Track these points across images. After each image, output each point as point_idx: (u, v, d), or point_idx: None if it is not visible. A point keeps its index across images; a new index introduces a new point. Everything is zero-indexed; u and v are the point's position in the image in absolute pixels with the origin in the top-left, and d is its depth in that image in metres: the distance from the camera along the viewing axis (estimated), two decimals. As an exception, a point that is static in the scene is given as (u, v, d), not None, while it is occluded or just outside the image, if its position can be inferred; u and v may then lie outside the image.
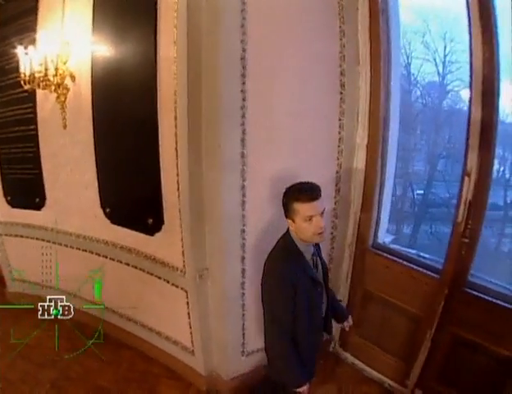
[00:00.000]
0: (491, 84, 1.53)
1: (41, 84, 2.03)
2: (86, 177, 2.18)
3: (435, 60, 4.05)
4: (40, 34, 2.02)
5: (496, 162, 3.79)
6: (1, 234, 2.70)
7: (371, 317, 2.08)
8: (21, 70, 1.99)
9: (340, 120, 1.88)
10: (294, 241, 1.32)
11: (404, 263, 1.91)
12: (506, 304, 1.56)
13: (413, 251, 2.03)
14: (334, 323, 1.61)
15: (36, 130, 2.34)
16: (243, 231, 1.76)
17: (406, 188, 4.40)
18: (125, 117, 1.97)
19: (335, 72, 1.84)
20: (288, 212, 1.29)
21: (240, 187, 1.70)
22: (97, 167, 2.13)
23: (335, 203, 1.96)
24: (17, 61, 1.99)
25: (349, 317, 1.65)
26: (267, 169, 1.74)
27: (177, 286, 1.96)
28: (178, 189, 1.76)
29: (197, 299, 1.88)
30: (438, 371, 1.82)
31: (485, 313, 1.61)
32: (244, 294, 1.85)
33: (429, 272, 1.81)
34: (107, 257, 2.25)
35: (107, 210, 2.17)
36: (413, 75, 4.21)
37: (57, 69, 2.04)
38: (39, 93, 2.20)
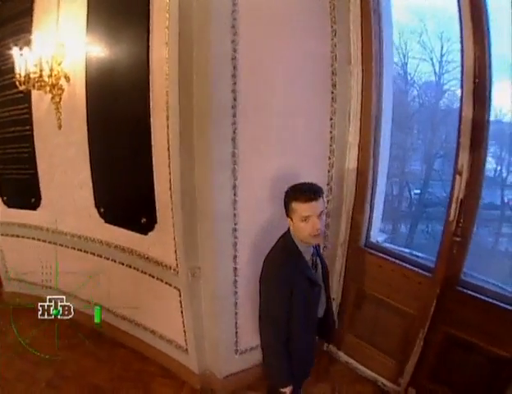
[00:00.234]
0: (482, 83, 1.53)
1: (36, 84, 2.05)
2: (81, 177, 2.19)
3: (431, 59, 4.06)
4: (35, 36, 2.04)
5: (493, 161, 3.82)
6: (-3, 234, 2.72)
7: (364, 316, 2.09)
8: (17, 71, 2.01)
9: (331, 119, 1.89)
10: (293, 241, 1.32)
11: (397, 261, 1.91)
12: (500, 304, 1.56)
13: (407, 250, 2.04)
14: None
15: (31, 130, 2.36)
16: (235, 229, 1.76)
17: (403, 187, 4.41)
18: (118, 117, 1.98)
19: (326, 72, 1.85)
20: (288, 210, 1.30)
21: (232, 186, 1.71)
22: (91, 166, 2.15)
23: (327, 203, 1.97)
24: (13, 62, 2.02)
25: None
26: (259, 168, 1.76)
27: (170, 285, 1.97)
28: (170, 188, 1.78)
29: (190, 297, 1.89)
30: (431, 370, 1.82)
31: (478, 313, 1.61)
32: (236, 292, 1.86)
33: (422, 271, 1.82)
34: (101, 256, 2.27)
35: (102, 210, 2.18)
36: (410, 74, 4.22)
37: (51, 70, 2.06)
38: (35, 93, 2.22)
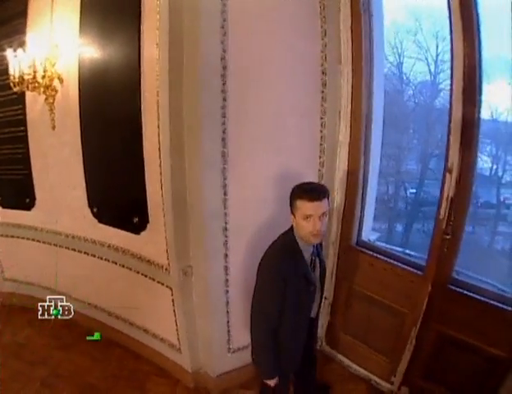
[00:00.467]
0: (472, 82, 1.54)
1: (30, 86, 2.06)
2: (74, 177, 2.20)
3: (427, 59, 4.06)
4: (29, 37, 2.06)
5: (489, 160, 3.81)
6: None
7: (356, 314, 2.09)
8: (11, 72, 2.02)
9: (321, 118, 1.89)
10: (295, 238, 1.34)
11: (389, 260, 1.92)
12: (492, 302, 1.56)
13: (399, 249, 2.04)
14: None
15: (26, 131, 2.37)
16: (225, 228, 1.77)
17: (399, 187, 4.42)
18: (111, 118, 1.99)
19: (316, 71, 1.86)
20: (292, 207, 1.33)
21: (222, 186, 1.71)
22: (84, 167, 2.16)
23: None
24: (7, 64, 2.03)
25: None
26: (249, 168, 1.76)
27: (162, 284, 1.97)
28: (161, 188, 1.78)
29: (181, 296, 1.90)
30: (424, 368, 1.82)
31: (470, 311, 1.62)
32: (228, 291, 1.87)
33: (413, 270, 1.82)
34: (95, 256, 2.27)
35: (95, 210, 2.19)
36: (405, 74, 4.22)
37: (45, 71, 2.08)
38: (28, 95, 2.24)
